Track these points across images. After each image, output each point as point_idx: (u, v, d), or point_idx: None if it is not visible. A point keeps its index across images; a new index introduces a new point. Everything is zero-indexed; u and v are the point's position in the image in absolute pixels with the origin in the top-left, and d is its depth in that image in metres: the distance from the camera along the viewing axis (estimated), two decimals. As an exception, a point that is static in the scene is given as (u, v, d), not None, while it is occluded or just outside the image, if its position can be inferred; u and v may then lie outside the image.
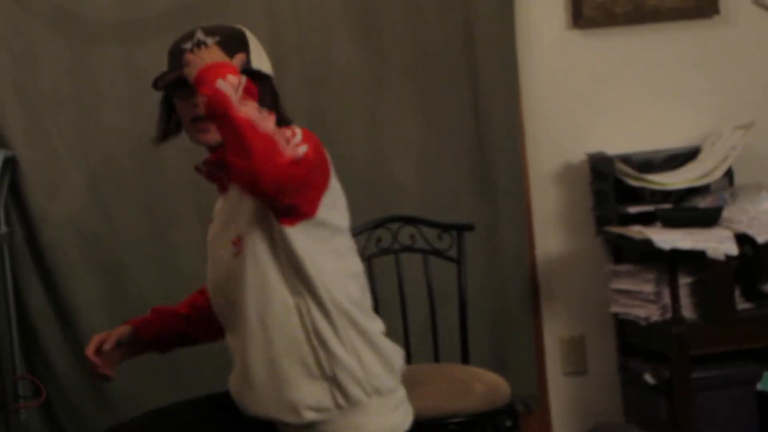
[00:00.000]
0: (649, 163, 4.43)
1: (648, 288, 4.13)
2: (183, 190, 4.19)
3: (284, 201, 2.39)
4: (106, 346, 2.78)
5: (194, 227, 4.21)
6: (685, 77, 4.62)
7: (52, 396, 4.13)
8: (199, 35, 2.57)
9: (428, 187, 4.38)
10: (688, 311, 4.09)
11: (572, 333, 4.56)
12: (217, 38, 2.56)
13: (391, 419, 2.61)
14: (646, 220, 4.28)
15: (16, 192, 4.09)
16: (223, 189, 2.68)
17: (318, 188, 2.48)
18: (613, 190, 4.35)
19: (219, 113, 2.33)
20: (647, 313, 4.14)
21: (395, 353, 2.65)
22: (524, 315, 4.45)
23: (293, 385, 2.50)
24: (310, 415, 2.50)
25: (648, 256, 4.11)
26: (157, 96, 4.12)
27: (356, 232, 3.60)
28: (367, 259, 3.63)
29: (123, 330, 2.84)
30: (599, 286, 4.49)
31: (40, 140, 4.12)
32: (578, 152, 4.53)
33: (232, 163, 2.34)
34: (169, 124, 2.76)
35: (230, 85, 2.33)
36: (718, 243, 3.93)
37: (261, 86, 2.54)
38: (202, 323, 2.84)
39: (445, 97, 4.42)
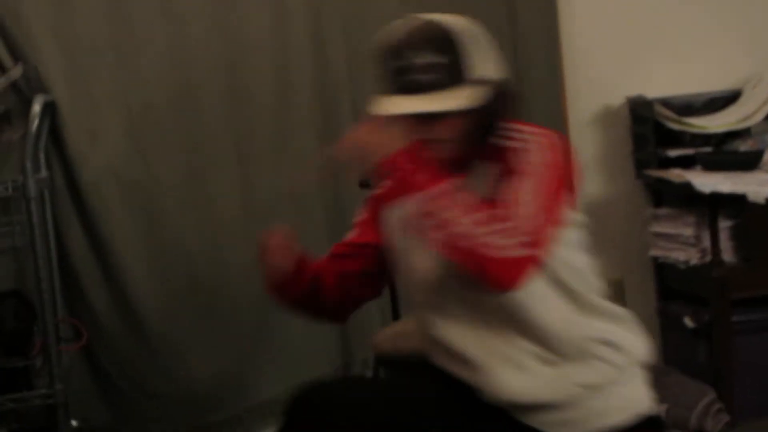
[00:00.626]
0: (689, 107, 4.40)
1: (688, 231, 4.12)
2: (221, 136, 4.20)
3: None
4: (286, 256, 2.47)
5: (233, 173, 4.23)
6: (725, 21, 4.58)
7: (93, 338, 4.17)
8: (412, 58, 2.32)
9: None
10: (727, 255, 4.07)
11: (611, 276, 4.54)
12: (438, 59, 2.32)
13: (648, 390, 2.55)
14: (686, 163, 4.26)
15: (56, 137, 4.11)
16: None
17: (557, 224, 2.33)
18: (653, 133, 4.33)
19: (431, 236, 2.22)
20: (687, 256, 4.13)
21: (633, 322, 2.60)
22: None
23: (561, 365, 2.42)
24: (578, 391, 2.42)
25: (688, 199, 4.09)
26: (196, 41, 4.16)
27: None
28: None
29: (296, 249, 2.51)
30: (638, 230, 4.48)
31: (79, 86, 4.13)
32: (618, 95, 4.51)
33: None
34: None
35: (427, 200, 2.20)
36: (758, 186, 3.90)
37: (489, 92, 2.36)
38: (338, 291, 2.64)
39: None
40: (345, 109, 4.30)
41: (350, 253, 2.61)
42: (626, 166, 4.51)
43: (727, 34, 4.58)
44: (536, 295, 2.35)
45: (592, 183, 4.53)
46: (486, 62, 2.37)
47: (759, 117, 4.31)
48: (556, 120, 4.42)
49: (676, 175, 4.11)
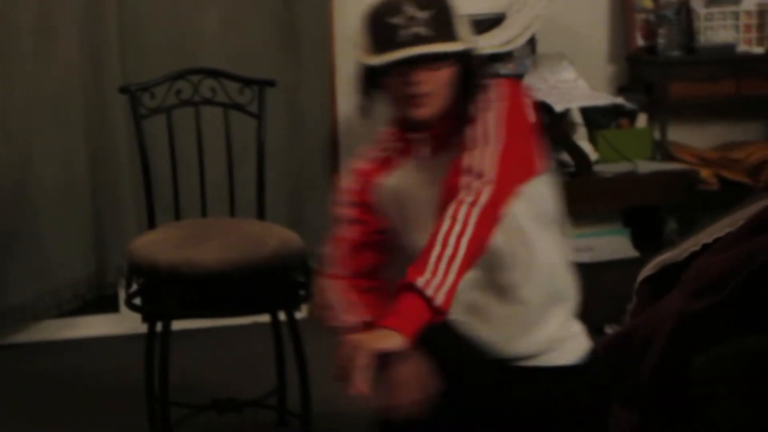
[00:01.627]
0: (455, 28, 4.46)
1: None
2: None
3: None
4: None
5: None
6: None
7: None
8: (409, 9, 2.37)
9: (232, 41, 4.35)
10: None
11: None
12: (429, 12, 2.37)
13: None
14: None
15: None
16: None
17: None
18: (419, 52, 4.37)
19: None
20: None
21: None
22: (323, 174, 4.47)
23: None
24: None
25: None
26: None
27: (156, 83, 3.55)
28: (167, 111, 3.58)
29: None
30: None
31: None
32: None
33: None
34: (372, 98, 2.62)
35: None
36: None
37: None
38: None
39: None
40: (110, 11, 4.22)
41: (367, 242, 2.60)
42: (389, 85, 4.55)
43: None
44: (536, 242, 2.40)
45: (355, 100, 4.55)
46: (462, 23, 2.43)
47: (521, 41, 4.39)
48: (323, 35, 4.45)
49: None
